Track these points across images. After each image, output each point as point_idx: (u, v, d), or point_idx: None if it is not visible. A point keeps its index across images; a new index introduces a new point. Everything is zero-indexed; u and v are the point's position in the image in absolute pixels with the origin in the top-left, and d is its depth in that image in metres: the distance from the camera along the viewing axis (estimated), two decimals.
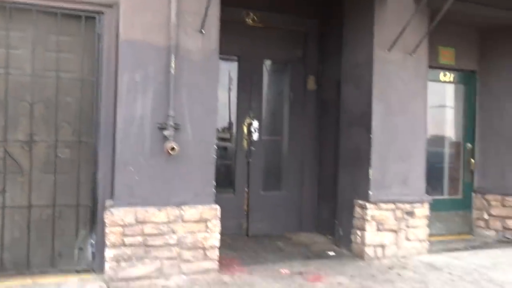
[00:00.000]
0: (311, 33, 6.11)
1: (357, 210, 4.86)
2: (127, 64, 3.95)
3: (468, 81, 6.30)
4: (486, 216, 6.00)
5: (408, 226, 4.87)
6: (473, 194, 6.16)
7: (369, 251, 4.73)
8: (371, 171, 4.79)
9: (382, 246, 4.77)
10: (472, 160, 6.20)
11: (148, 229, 3.90)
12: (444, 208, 6.01)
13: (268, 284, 3.83)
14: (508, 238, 5.79)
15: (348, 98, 5.24)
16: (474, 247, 5.44)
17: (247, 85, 5.85)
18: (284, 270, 4.22)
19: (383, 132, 4.86)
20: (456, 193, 6.22)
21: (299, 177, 6.02)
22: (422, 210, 4.95)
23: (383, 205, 4.77)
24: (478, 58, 6.24)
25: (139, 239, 3.87)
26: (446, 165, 6.30)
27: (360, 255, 4.76)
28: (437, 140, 6.29)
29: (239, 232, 5.65)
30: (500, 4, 5.38)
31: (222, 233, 4.22)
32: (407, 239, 4.88)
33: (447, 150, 6.33)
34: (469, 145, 6.24)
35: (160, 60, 4.01)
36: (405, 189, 4.91)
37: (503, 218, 5.86)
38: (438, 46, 5.93)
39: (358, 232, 4.82)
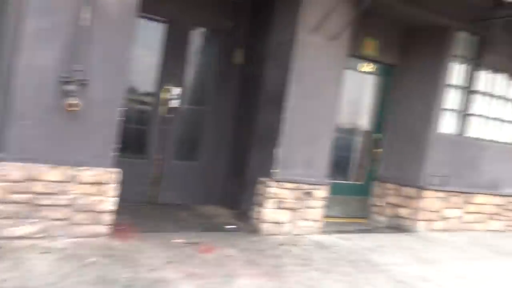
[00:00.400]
0: (244, 5, 6.02)
1: (261, 187, 5.01)
2: (34, 8, 3.66)
3: (387, 74, 6.61)
4: (381, 203, 6.47)
5: (305, 206, 5.11)
6: (375, 182, 6.59)
7: (266, 227, 4.92)
8: (278, 150, 4.93)
9: (279, 224, 4.99)
10: (378, 150, 6.60)
11: (38, 187, 3.74)
12: (346, 193, 6.39)
13: (157, 253, 3.87)
14: (396, 225, 6.29)
15: (269, 77, 5.30)
16: (364, 231, 5.87)
17: (173, 50, 5.67)
18: (179, 240, 4.28)
19: (295, 114, 5.00)
20: (360, 179, 6.62)
21: (215, 150, 6.04)
22: (321, 192, 5.21)
23: (285, 184, 4.96)
24: (399, 53, 6.55)
25: (28, 197, 3.71)
26: (355, 152, 6.65)
27: (257, 231, 4.94)
28: (350, 127, 6.60)
29: (146, 199, 5.59)
30: (424, 4, 5.62)
31: (127, 199, 4.15)
32: (304, 218, 5.13)
33: (358, 138, 6.67)
34: (377, 135, 6.62)
35: (71, 9, 3.75)
36: (308, 171, 5.13)
37: (395, 206, 6.35)
38: (364, 37, 6.13)
39: (259, 209, 4.98)
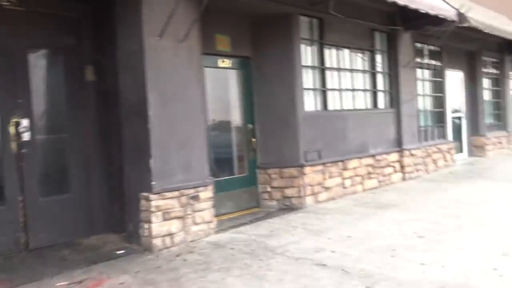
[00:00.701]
0: (85, 19, 5.63)
1: (143, 202, 4.75)
2: None
3: (244, 67, 6.78)
4: (269, 189, 6.65)
5: (194, 211, 4.98)
6: (258, 170, 6.74)
7: (157, 242, 4.68)
8: (152, 161, 4.72)
9: (171, 235, 4.79)
10: (253, 140, 6.75)
11: None
12: (233, 187, 6.42)
13: None
14: (287, 205, 6.53)
15: (125, 88, 5.04)
16: (258, 219, 5.95)
17: (10, 79, 5.06)
18: (63, 283, 3.83)
19: (161, 121, 4.83)
20: (243, 171, 6.70)
21: (86, 176, 5.56)
22: (206, 193, 5.13)
23: (167, 194, 4.77)
24: (251, 45, 6.74)
25: None
26: (233, 147, 6.71)
27: (149, 248, 4.67)
28: (223, 124, 6.63)
29: (16, 248, 4.92)
30: None
31: None
32: (195, 223, 5.00)
33: (233, 133, 6.74)
34: (249, 126, 6.76)
35: None
36: (188, 175, 5.00)
37: (282, 188, 6.57)
38: (215, 33, 6.19)
39: (146, 225, 4.72)
